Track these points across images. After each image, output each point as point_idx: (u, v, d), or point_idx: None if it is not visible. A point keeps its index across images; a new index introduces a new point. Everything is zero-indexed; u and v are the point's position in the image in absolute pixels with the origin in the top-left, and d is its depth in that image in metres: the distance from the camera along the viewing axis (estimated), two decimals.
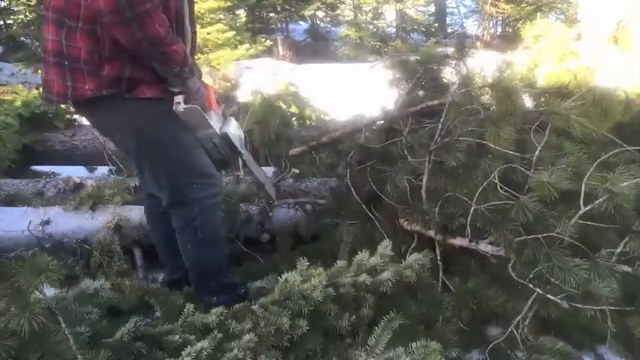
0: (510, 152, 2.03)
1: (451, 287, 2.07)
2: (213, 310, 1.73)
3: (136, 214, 2.53)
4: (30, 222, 2.41)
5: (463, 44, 2.67)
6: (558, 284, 1.77)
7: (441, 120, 2.23)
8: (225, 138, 1.94)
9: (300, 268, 1.84)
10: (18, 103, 3.57)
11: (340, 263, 1.94)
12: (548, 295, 1.77)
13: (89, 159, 3.71)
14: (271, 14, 14.62)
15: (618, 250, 1.86)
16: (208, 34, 8.65)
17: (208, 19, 9.33)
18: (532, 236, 1.84)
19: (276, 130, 3.38)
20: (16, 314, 1.32)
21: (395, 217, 2.31)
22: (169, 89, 1.78)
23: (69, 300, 1.64)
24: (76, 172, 3.47)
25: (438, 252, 2.11)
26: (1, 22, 11.34)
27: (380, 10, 15.08)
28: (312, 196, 2.81)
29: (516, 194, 1.93)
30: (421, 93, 2.75)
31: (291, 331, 1.68)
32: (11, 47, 11.01)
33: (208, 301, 1.92)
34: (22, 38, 11.28)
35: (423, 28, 14.85)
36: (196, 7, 8.81)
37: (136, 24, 1.54)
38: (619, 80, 3.10)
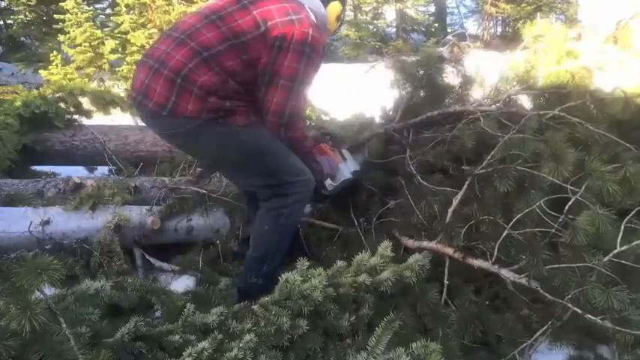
0: (564, 185, 2.05)
1: (454, 305, 2.07)
2: (214, 310, 1.73)
3: (135, 214, 2.53)
4: (30, 222, 2.41)
5: (456, 47, 2.70)
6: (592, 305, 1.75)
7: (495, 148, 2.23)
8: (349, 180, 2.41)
9: (300, 268, 1.85)
10: (18, 103, 3.56)
11: (340, 263, 1.95)
12: (590, 316, 1.73)
13: (89, 159, 3.71)
14: None
15: None
16: None
17: None
18: (565, 265, 1.86)
19: None
20: (16, 314, 1.32)
21: (393, 232, 2.36)
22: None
23: (70, 300, 1.65)
24: (76, 172, 3.48)
25: (446, 271, 2.11)
26: (1, 22, 11.34)
27: (380, 10, 15.08)
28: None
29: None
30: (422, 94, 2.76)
31: (291, 330, 1.68)
32: (11, 47, 11.02)
33: (247, 280, 2.12)
34: (22, 38, 11.29)
35: (423, 28, 14.86)
36: (196, 7, 8.79)
37: (283, 129, 2.00)
38: (619, 80, 3.11)
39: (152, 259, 2.51)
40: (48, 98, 3.65)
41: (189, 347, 1.52)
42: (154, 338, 1.63)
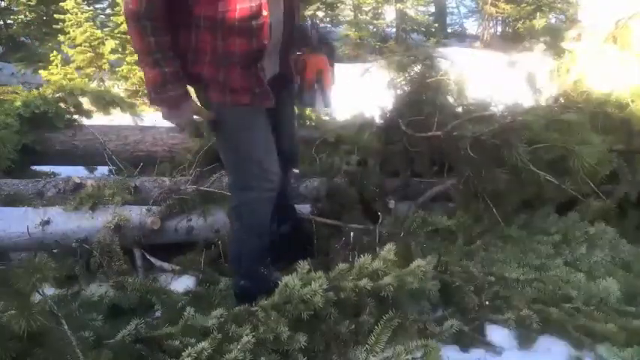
0: None
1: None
2: (214, 313, 1.73)
3: (135, 214, 2.53)
4: (30, 222, 2.41)
5: None
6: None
7: None
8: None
9: (300, 271, 1.84)
10: (18, 103, 3.56)
11: (341, 266, 1.94)
12: None
13: (89, 159, 3.71)
14: None
15: None
16: None
17: None
18: None
19: None
20: (15, 315, 1.32)
21: None
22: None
23: (74, 307, 1.65)
24: (76, 172, 3.47)
25: None
26: (1, 22, 11.33)
27: (380, 10, 15.06)
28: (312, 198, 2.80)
29: None
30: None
31: (289, 341, 1.67)
32: (11, 47, 11.01)
33: (236, 282, 2.11)
34: (22, 38, 11.28)
35: (423, 28, 14.83)
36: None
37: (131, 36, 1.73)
38: (619, 80, 3.11)
39: (152, 259, 2.51)
40: (48, 98, 3.65)
41: (189, 348, 1.52)
42: (155, 340, 1.63)
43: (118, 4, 8.87)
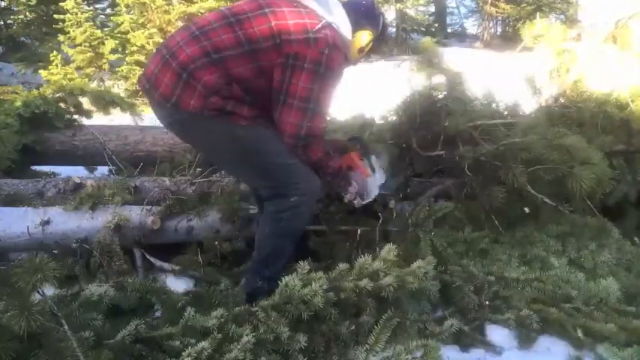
0: None
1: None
2: (214, 313, 1.73)
3: (135, 214, 2.53)
4: (30, 222, 2.41)
5: None
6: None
7: None
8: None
9: (300, 271, 1.84)
10: (18, 103, 3.56)
11: (342, 266, 1.94)
12: None
13: (89, 159, 3.71)
14: None
15: None
16: None
17: None
18: None
19: None
20: (15, 315, 1.32)
21: None
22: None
23: (74, 307, 1.65)
24: (76, 172, 3.47)
25: None
26: (1, 22, 11.34)
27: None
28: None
29: None
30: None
31: (289, 341, 1.67)
32: (11, 47, 11.01)
33: (253, 283, 2.11)
34: (22, 38, 11.28)
35: (423, 28, 14.84)
36: (196, 7, 8.78)
37: (302, 150, 1.99)
38: (618, 80, 3.11)
39: (152, 259, 2.51)
40: (48, 98, 3.65)
41: (189, 348, 1.52)
42: (155, 341, 1.63)
43: (118, 4, 8.87)
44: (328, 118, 2.03)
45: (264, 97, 1.96)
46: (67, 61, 8.49)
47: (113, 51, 8.62)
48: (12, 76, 9.27)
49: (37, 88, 4.26)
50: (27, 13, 10.52)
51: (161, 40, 8.43)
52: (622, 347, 1.88)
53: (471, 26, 18.23)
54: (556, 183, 2.43)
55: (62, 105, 3.71)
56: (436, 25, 15.13)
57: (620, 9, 3.46)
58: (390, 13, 15.34)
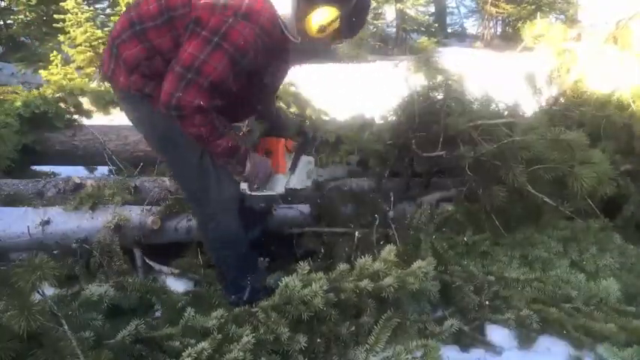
0: None
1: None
2: (214, 314, 1.73)
3: (135, 214, 2.53)
4: (30, 222, 2.41)
5: None
6: None
7: None
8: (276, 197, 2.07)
9: (300, 272, 1.83)
10: (18, 103, 3.56)
11: (342, 267, 1.94)
12: None
13: (89, 159, 3.71)
14: None
15: None
16: None
17: None
18: None
19: None
20: (15, 315, 1.32)
21: None
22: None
23: (74, 306, 1.64)
24: (76, 172, 3.47)
25: None
26: (1, 22, 11.33)
27: (380, 10, 15.07)
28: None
29: None
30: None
31: (289, 341, 1.67)
32: (11, 47, 11.01)
33: (230, 299, 2.07)
34: (22, 38, 11.28)
35: (423, 28, 14.85)
36: None
37: (181, 122, 1.75)
38: (619, 81, 3.11)
39: (152, 263, 2.51)
40: (48, 98, 3.65)
41: (189, 349, 1.52)
42: (155, 341, 1.63)
43: (118, 4, 8.86)
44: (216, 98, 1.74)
45: None
46: (67, 61, 8.49)
47: None
48: (12, 76, 9.26)
49: (37, 88, 4.26)
50: (27, 13, 10.51)
51: None
52: (622, 347, 1.88)
53: (471, 26, 18.23)
54: (557, 182, 2.42)
55: (62, 105, 3.71)
56: (436, 25, 15.14)
57: (620, 9, 3.46)
58: (390, 13, 15.36)
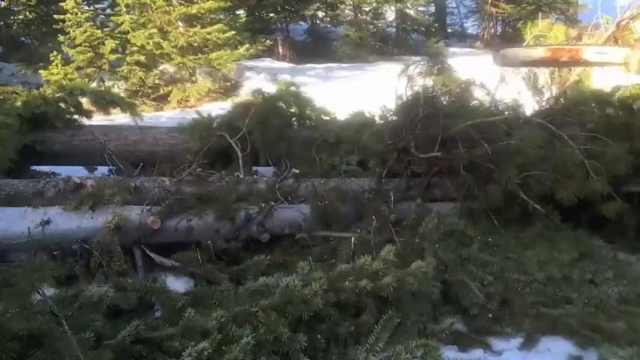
0: None
1: None
2: (214, 314, 1.73)
3: (135, 214, 2.53)
4: (30, 222, 2.41)
5: None
6: None
7: None
8: None
9: (300, 272, 1.83)
10: (18, 103, 3.56)
11: (342, 267, 1.94)
12: None
13: (89, 159, 3.71)
14: (271, 14, 14.60)
15: None
16: (208, 34, 8.63)
17: (208, 19, 9.32)
18: None
19: (276, 130, 3.38)
20: (15, 315, 1.32)
21: None
22: None
23: (74, 307, 1.64)
24: (76, 172, 3.47)
25: None
26: (1, 22, 11.33)
27: (380, 10, 15.05)
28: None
29: None
30: None
31: (289, 342, 1.66)
32: (11, 47, 11.00)
33: None
34: (22, 38, 11.28)
35: (423, 28, 14.83)
36: (196, 7, 8.75)
37: None
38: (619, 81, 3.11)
39: (153, 254, 2.50)
40: (48, 98, 3.64)
41: (189, 349, 1.51)
42: (155, 341, 1.62)
43: (118, 4, 8.87)
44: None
45: None
46: (67, 61, 8.49)
47: (113, 51, 8.62)
48: (12, 76, 9.26)
49: (37, 88, 4.26)
50: (27, 13, 10.52)
51: (161, 40, 8.45)
52: (622, 347, 1.88)
53: (471, 26, 18.21)
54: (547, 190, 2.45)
55: (62, 105, 3.70)
56: (436, 25, 15.12)
57: (621, 9, 3.47)
58: (390, 13, 15.35)
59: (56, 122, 3.59)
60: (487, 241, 2.53)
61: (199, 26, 8.71)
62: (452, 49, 13.72)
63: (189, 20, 8.85)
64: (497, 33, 16.36)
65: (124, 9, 8.68)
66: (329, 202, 2.67)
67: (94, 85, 7.80)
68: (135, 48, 8.45)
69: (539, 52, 3.32)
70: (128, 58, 8.52)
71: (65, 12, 8.37)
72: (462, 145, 2.61)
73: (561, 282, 2.31)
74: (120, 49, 8.73)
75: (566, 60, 2.83)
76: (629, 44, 3.52)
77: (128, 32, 8.53)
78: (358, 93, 7.11)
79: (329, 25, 15.76)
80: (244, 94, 7.00)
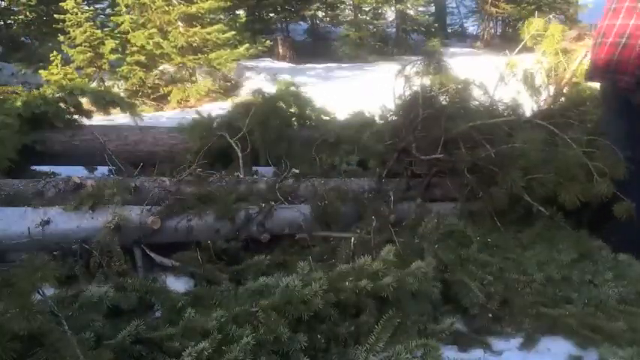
0: None
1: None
2: (214, 314, 1.73)
3: (135, 214, 2.53)
4: (30, 222, 2.41)
5: None
6: None
7: None
8: None
9: (300, 272, 1.84)
10: (18, 103, 3.56)
11: (342, 267, 1.94)
12: None
13: (89, 159, 3.71)
14: (271, 14, 14.62)
15: None
16: (208, 34, 8.64)
17: (208, 19, 9.34)
18: None
19: (276, 130, 3.38)
20: (15, 315, 1.32)
21: None
22: None
23: (74, 307, 1.64)
24: (76, 172, 3.47)
25: None
26: (1, 22, 11.33)
27: (380, 10, 15.07)
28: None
29: None
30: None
31: (289, 342, 1.67)
32: (11, 47, 11.01)
33: None
34: (22, 38, 11.28)
35: (423, 28, 14.84)
36: (196, 7, 8.78)
37: None
38: None
39: (153, 254, 2.50)
40: (48, 98, 3.64)
41: (189, 349, 1.52)
42: (155, 342, 1.63)
43: (118, 4, 8.87)
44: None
45: None
46: (67, 61, 8.50)
47: (113, 51, 8.63)
48: (12, 76, 9.26)
49: (37, 88, 4.26)
50: (27, 13, 10.53)
51: (161, 40, 8.46)
52: (622, 347, 1.88)
53: (471, 26, 18.22)
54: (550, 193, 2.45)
55: (62, 105, 3.70)
56: (436, 25, 15.13)
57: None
58: (390, 13, 15.36)
59: (56, 122, 3.59)
60: (487, 242, 2.53)
61: (199, 26, 8.73)
62: (452, 49, 13.74)
63: (189, 20, 8.86)
64: (498, 33, 16.37)
65: (124, 9, 8.70)
66: (329, 202, 2.67)
67: (94, 85, 7.81)
68: (135, 48, 8.46)
69: None
70: (128, 58, 8.53)
71: (65, 12, 8.38)
72: (464, 147, 2.61)
73: (561, 282, 2.32)
74: (120, 49, 8.74)
75: None
76: None
77: (128, 32, 8.54)
78: (358, 93, 7.11)
79: (329, 25, 15.78)
80: (244, 94, 7.01)
